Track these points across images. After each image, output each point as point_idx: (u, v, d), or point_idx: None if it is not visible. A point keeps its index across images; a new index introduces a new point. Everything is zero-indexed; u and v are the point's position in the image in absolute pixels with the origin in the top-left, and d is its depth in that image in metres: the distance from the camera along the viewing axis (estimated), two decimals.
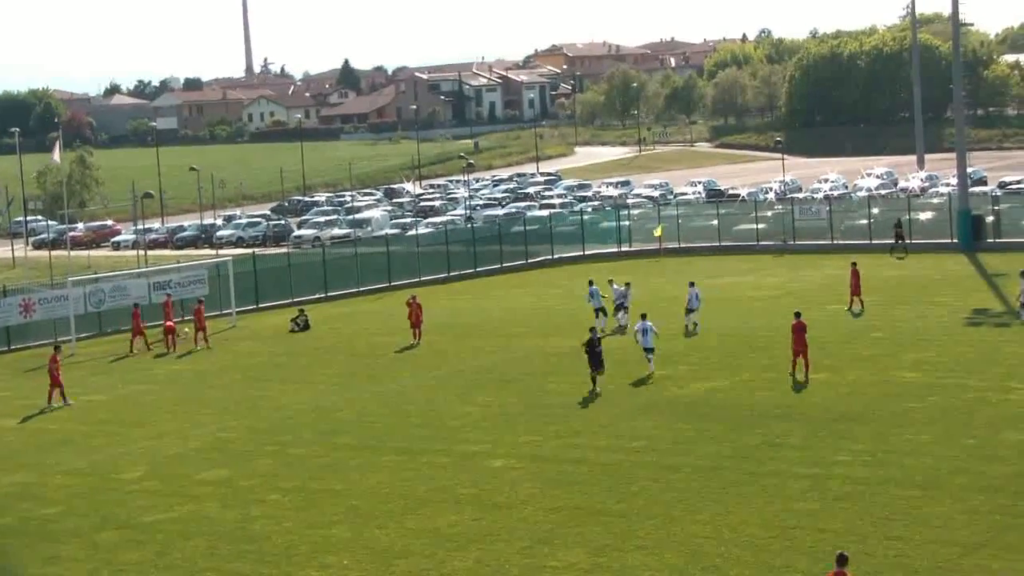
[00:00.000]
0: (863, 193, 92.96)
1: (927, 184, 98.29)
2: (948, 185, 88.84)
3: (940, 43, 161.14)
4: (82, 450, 35.14)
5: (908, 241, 65.66)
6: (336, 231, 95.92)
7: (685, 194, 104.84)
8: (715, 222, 74.30)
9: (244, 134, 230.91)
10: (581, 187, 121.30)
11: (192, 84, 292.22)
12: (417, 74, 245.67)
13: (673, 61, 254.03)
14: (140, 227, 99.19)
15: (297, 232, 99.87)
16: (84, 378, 45.29)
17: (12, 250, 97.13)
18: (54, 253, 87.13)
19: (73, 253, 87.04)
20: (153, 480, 31.52)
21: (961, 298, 49.49)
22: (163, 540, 26.78)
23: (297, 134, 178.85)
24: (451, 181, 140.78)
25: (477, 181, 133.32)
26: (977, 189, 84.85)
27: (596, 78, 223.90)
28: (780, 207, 77.29)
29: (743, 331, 45.70)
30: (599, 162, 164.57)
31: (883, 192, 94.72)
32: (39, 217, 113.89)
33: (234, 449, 34.01)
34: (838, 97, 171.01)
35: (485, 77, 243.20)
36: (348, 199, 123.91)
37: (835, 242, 69.22)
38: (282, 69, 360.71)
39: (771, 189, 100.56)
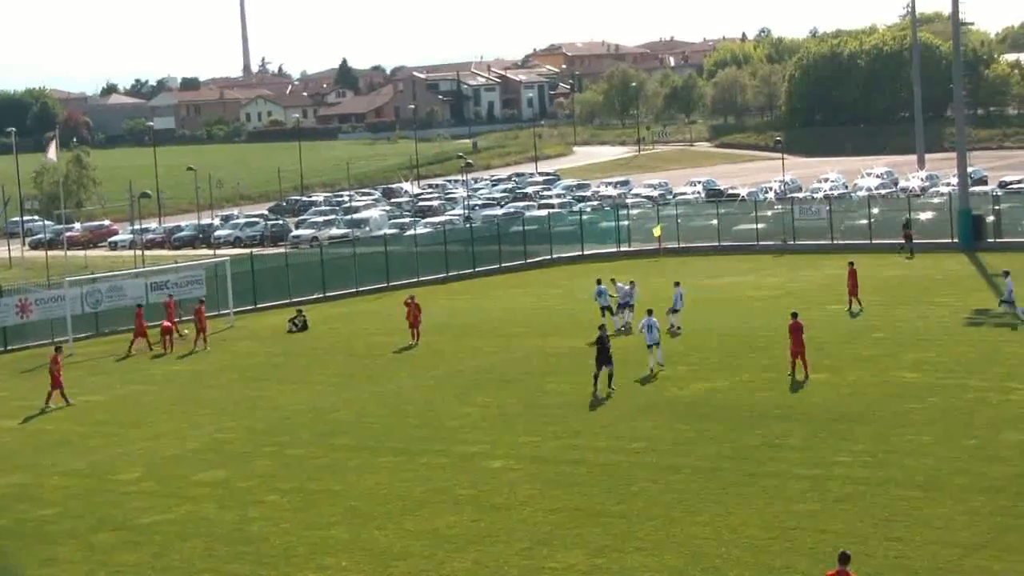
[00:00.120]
0: (863, 193, 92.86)
1: (927, 184, 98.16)
2: (948, 185, 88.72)
3: (940, 42, 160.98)
4: (79, 451, 35.05)
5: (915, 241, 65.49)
6: (334, 231, 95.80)
7: (684, 194, 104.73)
8: (715, 222, 74.21)
9: (241, 134, 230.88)
10: (580, 187, 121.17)
11: (189, 84, 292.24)
12: (415, 74, 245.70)
13: (672, 60, 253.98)
14: (137, 227, 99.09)
15: (295, 232, 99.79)
16: (82, 378, 45.16)
17: (9, 250, 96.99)
18: (51, 253, 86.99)
19: (70, 253, 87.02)
20: (150, 481, 31.42)
21: (962, 298, 49.40)
22: (160, 541, 26.69)
23: (295, 134, 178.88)
24: (449, 181, 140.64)
25: (476, 181, 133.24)
26: (978, 189, 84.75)
27: (595, 77, 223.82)
28: (780, 207, 77.20)
29: (743, 331, 45.63)
30: (598, 162, 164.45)
31: (883, 192, 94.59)
32: (36, 217, 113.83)
33: (232, 450, 33.92)
34: (838, 96, 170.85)
35: (483, 77, 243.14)
36: (346, 199, 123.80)
37: (835, 242, 69.11)
38: (280, 68, 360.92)
39: (771, 189, 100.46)
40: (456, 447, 32.55)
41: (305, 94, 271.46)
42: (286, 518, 27.67)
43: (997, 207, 68.48)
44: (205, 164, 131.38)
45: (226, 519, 27.88)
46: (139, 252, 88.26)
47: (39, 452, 35.27)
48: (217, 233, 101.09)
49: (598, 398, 36.61)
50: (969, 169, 72.95)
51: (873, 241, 68.21)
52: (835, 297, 50.22)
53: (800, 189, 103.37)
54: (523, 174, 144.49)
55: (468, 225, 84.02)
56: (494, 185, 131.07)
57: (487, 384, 39.90)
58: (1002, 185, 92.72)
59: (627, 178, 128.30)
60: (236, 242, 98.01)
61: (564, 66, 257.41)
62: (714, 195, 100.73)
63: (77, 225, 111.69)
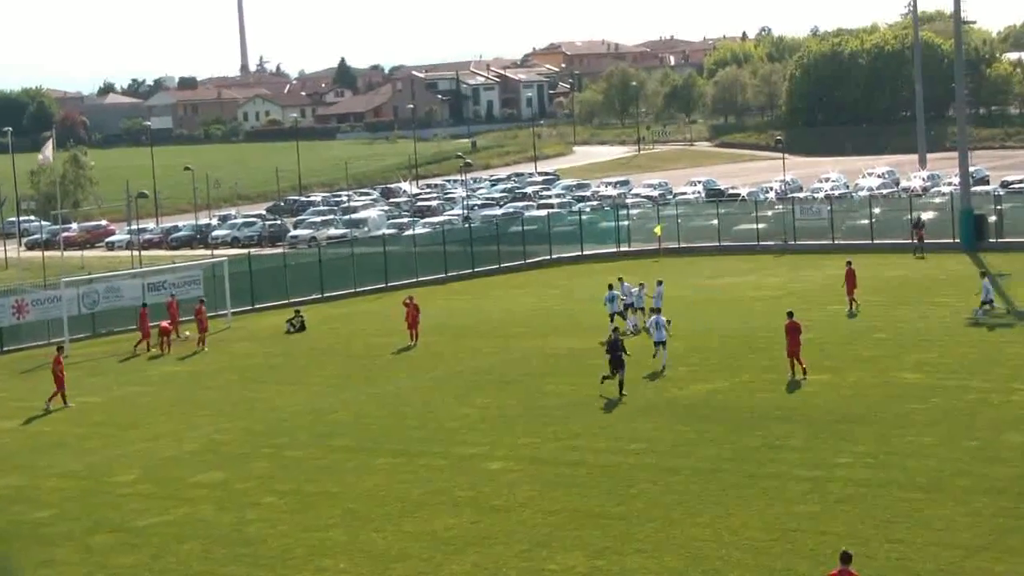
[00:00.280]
0: (864, 193, 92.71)
1: (929, 184, 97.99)
2: (950, 184, 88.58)
3: (942, 41, 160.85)
4: (76, 452, 34.93)
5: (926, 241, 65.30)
6: (332, 231, 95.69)
7: (685, 194, 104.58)
8: (715, 222, 74.09)
9: (239, 133, 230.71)
10: (580, 187, 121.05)
11: (187, 83, 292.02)
12: (414, 73, 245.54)
13: (672, 59, 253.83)
14: (134, 227, 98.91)
15: (293, 232, 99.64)
16: (79, 379, 44.94)
17: (5, 251, 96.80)
18: (47, 254, 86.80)
19: (67, 253, 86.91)
20: (147, 483, 31.30)
21: (963, 298, 49.25)
22: (157, 544, 26.58)
23: (293, 133, 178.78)
24: (448, 181, 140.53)
25: (475, 181, 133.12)
26: (979, 188, 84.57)
27: (595, 77, 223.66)
28: (780, 207, 77.05)
29: (743, 332, 45.49)
30: (598, 161, 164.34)
31: (884, 192, 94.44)
32: (32, 217, 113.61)
33: (229, 451, 33.80)
34: (839, 96, 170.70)
35: (483, 76, 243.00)
36: (344, 199, 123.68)
37: (836, 242, 68.94)
38: (278, 68, 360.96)
39: (771, 188, 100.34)
40: (455, 448, 32.44)
41: (303, 93, 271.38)
42: (284, 520, 27.57)
43: (999, 207, 68.33)
44: (203, 164, 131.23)
45: (224, 521, 27.77)
46: (136, 252, 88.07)
47: (35, 453, 35.14)
48: (215, 233, 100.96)
49: (604, 399, 36.31)
50: (971, 169, 72.84)
51: (874, 241, 68.07)
52: (836, 298, 50.09)
53: (801, 189, 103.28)
54: (522, 174, 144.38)
55: (467, 225, 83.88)
56: (493, 185, 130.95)
57: (486, 385, 39.77)
58: (1004, 185, 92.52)
59: (627, 178, 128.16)
60: (234, 242, 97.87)
61: (563, 65, 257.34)
62: (714, 195, 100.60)
63: (74, 225, 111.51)
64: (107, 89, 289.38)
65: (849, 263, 49.59)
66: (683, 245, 72.66)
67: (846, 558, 19.23)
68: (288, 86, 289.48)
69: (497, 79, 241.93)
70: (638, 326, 46.69)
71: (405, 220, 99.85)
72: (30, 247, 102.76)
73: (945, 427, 31.29)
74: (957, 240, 65.59)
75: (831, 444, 30.39)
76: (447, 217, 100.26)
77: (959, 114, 73.52)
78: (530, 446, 32.15)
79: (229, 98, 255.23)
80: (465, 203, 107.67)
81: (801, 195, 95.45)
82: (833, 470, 28.32)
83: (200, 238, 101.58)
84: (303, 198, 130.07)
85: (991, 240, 65.42)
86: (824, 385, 36.48)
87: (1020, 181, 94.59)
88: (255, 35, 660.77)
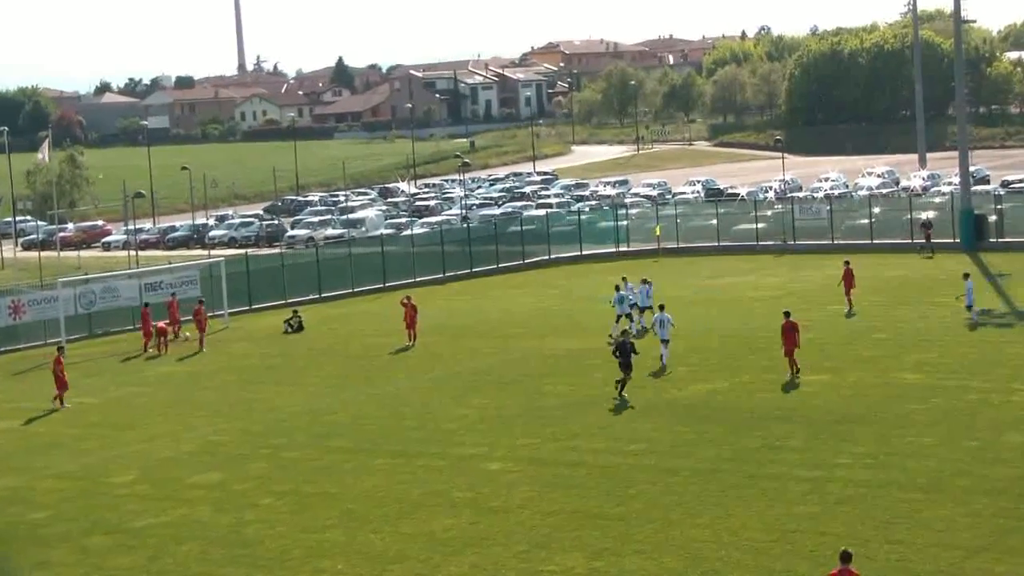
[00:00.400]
0: (864, 192, 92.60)
1: (929, 183, 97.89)
2: (950, 184, 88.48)
3: (942, 40, 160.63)
4: (73, 453, 34.85)
5: (912, 240, 65.19)
6: (330, 231, 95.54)
7: (684, 193, 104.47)
8: (714, 222, 73.96)
9: (236, 133, 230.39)
10: (578, 186, 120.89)
11: (184, 82, 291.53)
12: (412, 72, 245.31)
13: (671, 58, 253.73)
14: (131, 227, 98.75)
15: (290, 232, 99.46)
16: (75, 380, 44.59)
17: (1, 251, 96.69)
18: (44, 254, 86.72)
19: (63, 254, 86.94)
20: (145, 484, 31.22)
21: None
22: (155, 545, 26.51)
23: (290, 133, 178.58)
24: (446, 180, 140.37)
25: (473, 180, 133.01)
26: (980, 188, 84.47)
27: (593, 76, 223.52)
28: (780, 206, 76.97)
29: (743, 332, 45.41)
30: (596, 161, 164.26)
31: (884, 191, 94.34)
32: (28, 217, 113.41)
33: (227, 452, 33.72)
34: (839, 95, 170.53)
35: (481, 75, 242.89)
36: (342, 199, 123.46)
37: (836, 242, 68.79)
38: (275, 67, 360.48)
39: (771, 188, 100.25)
40: (453, 449, 32.35)
41: (301, 93, 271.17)
42: (282, 521, 27.49)
43: (999, 207, 68.19)
44: (200, 164, 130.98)
45: (221, 522, 27.70)
46: (133, 253, 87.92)
47: (32, 454, 35.05)
48: (212, 233, 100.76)
49: (622, 400, 36.16)
50: (971, 168, 72.69)
51: (874, 241, 67.95)
52: (836, 298, 49.99)
53: (800, 188, 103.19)
54: (521, 173, 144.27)
55: (465, 225, 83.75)
56: (491, 185, 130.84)
57: (485, 386, 39.68)
58: (1004, 184, 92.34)
59: (626, 177, 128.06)
60: (231, 242, 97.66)
61: (562, 64, 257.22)
62: (714, 195, 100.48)
63: (70, 225, 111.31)
64: (103, 88, 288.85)
65: (847, 263, 49.49)
66: (682, 245, 72.53)
67: (846, 557, 19.18)
68: (285, 85, 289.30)
69: (495, 78, 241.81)
70: (645, 326, 46.53)
71: (403, 220, 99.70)
72: (26, 247, 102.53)
73: (945, 427, 31.21)
74: (957, 240, 65.43)
75: (831, 445, 30.32)
76: (445, 217, 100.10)
77: (959, 113, 73.36)
78: (529, 447, 32.07)
79: (226, 97, 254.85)
80: (463, 203, 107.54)
81: (800, 195, 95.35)
82: (833, 471, 28.25)
83: (197, 238, 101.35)
84: (300, 198, 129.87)
85: (991, 240, 65.27)
86: (824, 385, 36.41)
87: (1020, 181, 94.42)
88: (252, 34, 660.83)
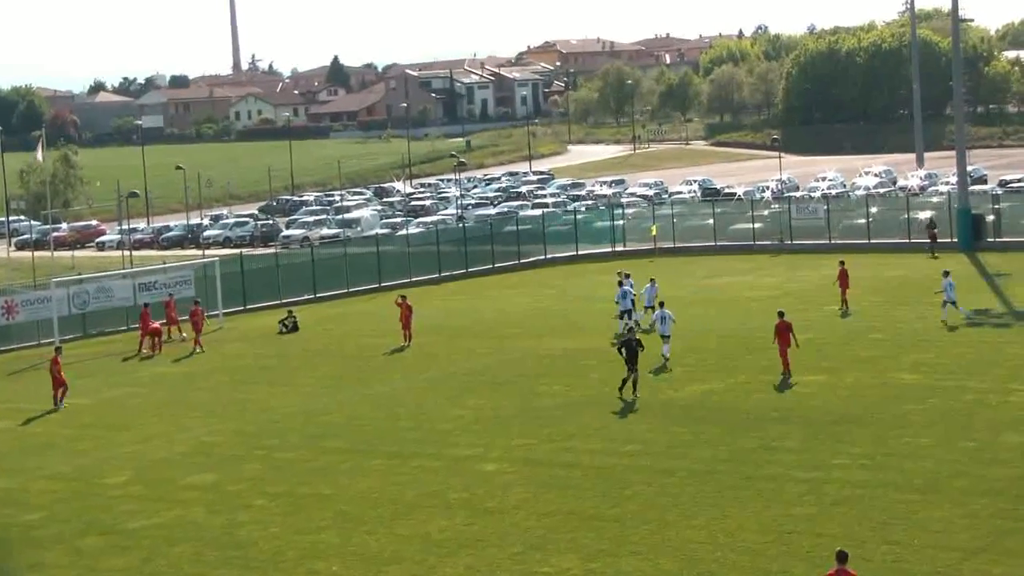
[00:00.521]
0: (861, 192, 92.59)
1: (926, 183, 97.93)
2: (948, 184, 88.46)
3: (940, 39, 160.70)
4: (66, 454, 34.68)
5: (910, 240, 65.06)
6: (325, 231, 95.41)
7: (680, 193, 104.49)
8: (711, 221, 73.85)
9: (231, 132, 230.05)
10: (574, 186, 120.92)
11: (178, 81, 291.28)
12: (408, 71, 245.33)
13: (668, 58, 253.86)
14: (125, 227, 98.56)
15: (285, 232, 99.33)
16: (69, 381, 44.52)
17: None
18: (37, 254, 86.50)
19: (56, 254, 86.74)
20: (138, 485, 31.07)
21: (961, 299, 48.97)
22: (148, 546, 26.37)
23: (285, 132, 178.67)
24: (442, 180, 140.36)
25: (469, 180, 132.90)
26: (977, 188, 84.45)
27: (590, 75, 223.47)
28: (777, 206, 76.94)
29: (740, 332, 45.28)
30: (593, 160, 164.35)
31: (882, 191, 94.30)
32: (22, 217, 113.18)
33: (221, 453, 33.57)
34: (836, 94, 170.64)
35: (477, 74, 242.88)
36: (337, 198, 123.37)
37: (833, 241, 68.68)
38: (270, 66, 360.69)
39: (768, 188, 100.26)
40: (448, 450, 32.22)
41: (296, 92, 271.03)
42: (276, 522, 27.36)
43: (997, 206, 68.14)
44: (194, 163, 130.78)
45: (215, 523, 27.56)
46: (127, 252, 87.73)
47: (25, 455, 34.88)
48: (206, 233, 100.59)
49: (624, 401, 35.91)
50: (969, 168, 72.63)
51: (871, 241, 67.85)
52: (833, 298, 49.91)
53: (797, 188, 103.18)
54: (517, 173, 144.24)
55: (461, 225, 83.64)
56: (487, 184, 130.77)
57: (480, 386, 39.56)
58: (1002, 184, 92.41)
59: (622, 177, 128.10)
60: (226, 242, 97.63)
61: (558, 63, 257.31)
62: (710, 194, 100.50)
63: (64, 225, 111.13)
64: (98, 88, 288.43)
65: (842, 263, 49.41)
66: (679, 245, 72.46)
67: (842, 557, 19.12)
68: (280, 85, 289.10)
69: (491, 77, 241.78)
70: (638, 320, 46.40)
71: (398, 220, 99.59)
72: (20, 247, 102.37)
73: (942, 428, 31.11)
74: (955, 240, 65.34)
75: (828, 445, 30.21)
76: (441, 217, 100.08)
77: (957, 112, 73.27)
78: (524, 448, 31.95)
79: (221, 97, 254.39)
80: (459, 202, 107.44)
81: (797, 194, 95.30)
82: (830, 471, 28.14)
83: (192, 238, 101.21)
84: (295, 198, 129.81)
85: (989, 240, 65.19)
86: (821, 386, 36.30)
87: (1018, 180, 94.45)
88: (247, 33, 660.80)
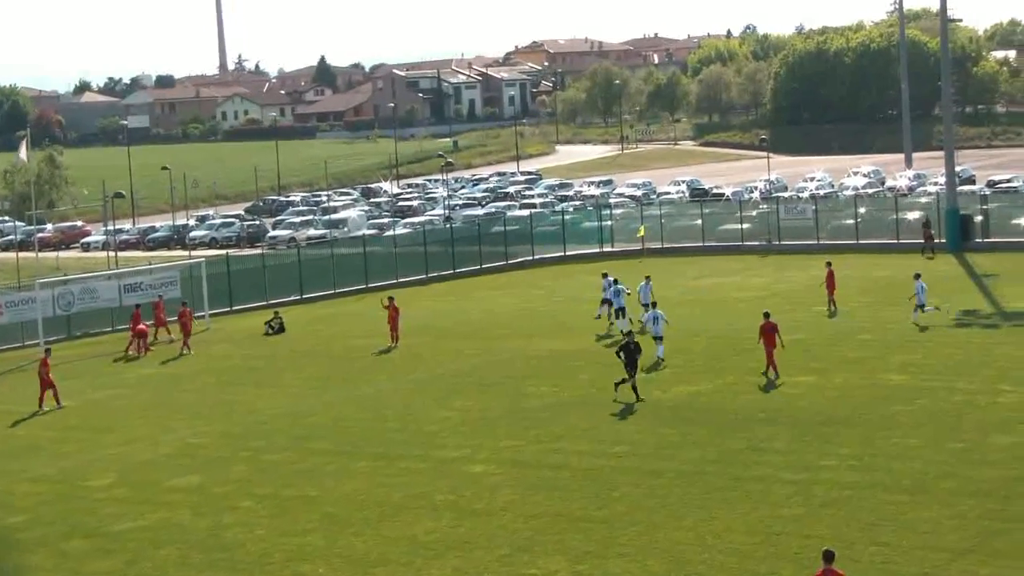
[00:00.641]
0: (850, 192, 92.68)
1: (915, 183, 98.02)
2: (936, 184, 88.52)
3: (928, 39, 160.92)
4: (50, 456, 34.51)
5: (898, 240, 65.03)
6: (312, 231, 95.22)
7: (668, 193, 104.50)
8: (699, 222, 73.79)
9: (218, 132, 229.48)
10: (562, 186, 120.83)
11: (164, 81, 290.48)
12: (395, 71, 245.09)
13: (656, 58, 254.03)
14: (111, 228, 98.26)
15: (272, 233, 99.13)
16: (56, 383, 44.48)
17: None
18: (22, 255, 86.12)
19: (41, 254, 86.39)
20: (123, 487, 30.92)
21: (949, 299, 49.10)
22: (133, 549, 26.25)
23: (272, 132, 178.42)
24: (429, 180, 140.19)
25: (456, 180, 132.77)
26: (965, 188, 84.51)
27: (578, 75, 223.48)
28: (765, 206, 76.89)
29: (728, 333, 45.17)
30: (581, 161, 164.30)
31: (870, 191, 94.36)
32: (6, 218, 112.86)
33: (206, 455, 33.41)
34: (824, 94, 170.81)
35: (464, 74, 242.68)
36: (324, 199, 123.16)
37: (821, 242, 68.62)
38: (256, 66, 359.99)
39: (756, 188, 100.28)
40: (435, 452, 32.09)
41: (282, 92, 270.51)
42: (262, 524, 27.24)
43: (985, 207, 68.16)
44: (180, 163, 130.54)
45: (200, 526, 27.44)
46: (112, 253, 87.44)
47: (8, 458, 34.71)
48: (192, 234, 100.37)
49: (626, 404, 35.63)
50: (957, 168, 72.62)
51: (860, 241, 67.81)
52: (821, 299, 49.82)
53: (786, 188, 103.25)
54: (504, 173, 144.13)
55: (448, 225, 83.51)
56: (475, 185, 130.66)
57: (467, 387, 39.43)
58: (990, 184, 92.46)
59: (610, 177, 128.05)
60: (212, 243, 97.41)
61: (546, 63, 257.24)
62: (698, 195, 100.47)
63: (49, 226, 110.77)
64: (83, 88, 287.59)
65: (829, 264, 49.35)
66: (667, 245, 72.37)
67: (829, 557, 19.05)
68: (267, 85, 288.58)
69: (479, 77, 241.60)
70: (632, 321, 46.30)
71: (385, 220, 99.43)
72: (4, 248, 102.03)
73: (931, 429, 31.04)
74: (943, 240, 65.32)
75: (816, 446, 30.13)
76: (428, 217, 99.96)
77: (945, 113, 73.21)
78: (512, 449, 31.83)
79: (207, 97, 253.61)
80: (446, 203, 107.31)
81: (786, 195, 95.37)
82: (818, 473, 28.06)
83: (178, 239, 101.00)
84: (282, 198, 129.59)
85: (977, 240, 65.20)
86: (809, 387, 36.22)
87: (1007, 180, 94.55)
88: (234, 33, 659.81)
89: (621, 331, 42.66)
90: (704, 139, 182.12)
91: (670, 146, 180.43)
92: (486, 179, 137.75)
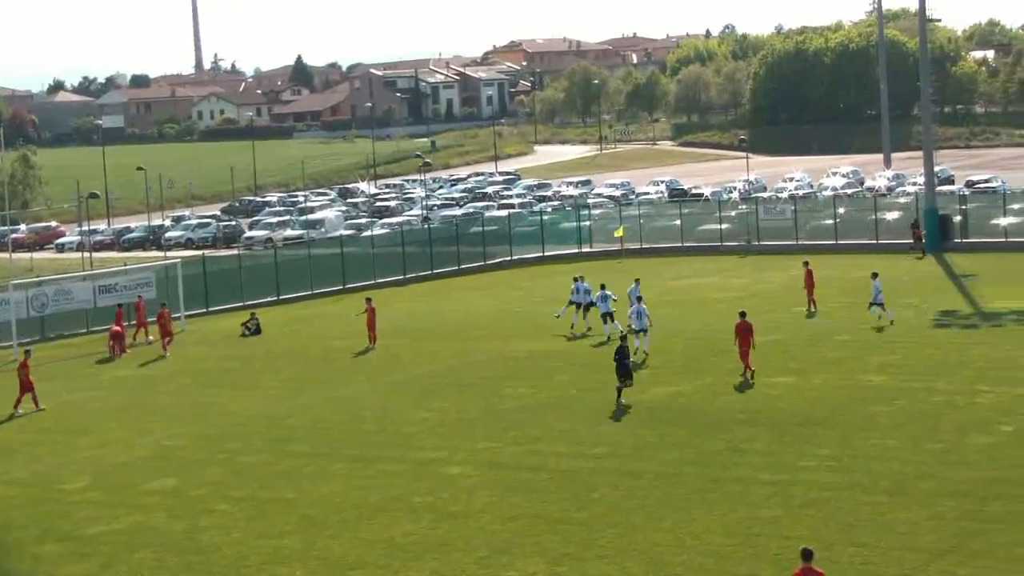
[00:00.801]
0: (829, 192, 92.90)
1: (894, 183, 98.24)
2: (915, 184, 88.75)
3: (907, 39, 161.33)
4: (24, 459, 34.22)
5: (877, 241, 65.12)
6: (289, 232, 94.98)
7: (647, 194, 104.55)
8: (678, 222, 73.83)
9: (193, 132, 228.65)
10: (541, 187, 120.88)
11: (139, 81, 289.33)
12: (372, 71, 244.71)
13: (635, 57, 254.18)
14: (85, 228, 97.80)
15: (248, 233, 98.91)
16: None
17: None
18: None
19: (15, 255, 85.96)
20: (98, 490, 30.68)
21: (928, 300, 49.20)
22: (108, 552, 26.03)
23: (248, 132, 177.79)
24: (407, 180, 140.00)
25: (434, 180, 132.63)
26: (944, 188, 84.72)
27: (556, 75, 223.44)
28: (744, 207, 76.94)
29: (706, 334, 45.09)
30: (559, 161, 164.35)
31: (849, 192, 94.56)
32: None
33: (182, 457, 33.18)
34: (803, 94, 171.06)
35: (442, 74, 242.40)
36: (301, 199, 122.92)
37: (800, 242, 68.65)
38: (233, 66, 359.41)
39: (735, 188, 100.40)
40: (413, 453, 31.94)
41: (259, 92, 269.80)
42: (238, 527, 27.06)
43: (964, 207, 68.34)
44: (155, 164, 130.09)
45: (176, 529, 27.23)
46: (87, 254, 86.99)
47: None
48: (168, 234, 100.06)
49: (622, 407, 35.37)
50: (936, 168, 72.77)
51: (839, 241, 67.88)
52: (800, 299, 49.90)
53: (765, 189, 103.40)
54: (483, 174, 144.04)
55: (426, 226, 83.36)
56: (453, 185, 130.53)
57: (445, 389, 39.28)
58: (969, 184, 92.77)
59: (589, 178, 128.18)
60: (187, 244, 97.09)
61: (524, 63, 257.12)
62: (677, 195, 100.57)
63: (22, 226, 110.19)
64: (57, 87, 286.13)
65: (806, 264, 49.37)
66: (645, 246, 72.39)
67: (807, 555, 18.97)
68: (243, 84, 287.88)
69: (457, 77, 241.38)
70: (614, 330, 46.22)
71: (363, 221, 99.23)
72: None
73: (909, 430, 31.00)
74: (922, 240, 65.37)
75: (795, 447, 30.07)
76: (406, 217, 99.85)
77: (924, 113, 73.31)
78: (489, 451, 31.70)
79: (183, 96, 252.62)
80: (424, 203, 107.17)
81: (765, 195, 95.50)
82: (797, 474, 27.99)
83: (153, 239, 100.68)
84: (259, 198, 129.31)
85: (956, 240, 65.34)
86: (788, 387, 36.17)
87: (985, 181, 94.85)
88: (210, 32, 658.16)
89: (612, 334, 42.80)
90: (683, 139, 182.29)
91: (649, 146, 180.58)
92: (464, 179, 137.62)
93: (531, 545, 24.74)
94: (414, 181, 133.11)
